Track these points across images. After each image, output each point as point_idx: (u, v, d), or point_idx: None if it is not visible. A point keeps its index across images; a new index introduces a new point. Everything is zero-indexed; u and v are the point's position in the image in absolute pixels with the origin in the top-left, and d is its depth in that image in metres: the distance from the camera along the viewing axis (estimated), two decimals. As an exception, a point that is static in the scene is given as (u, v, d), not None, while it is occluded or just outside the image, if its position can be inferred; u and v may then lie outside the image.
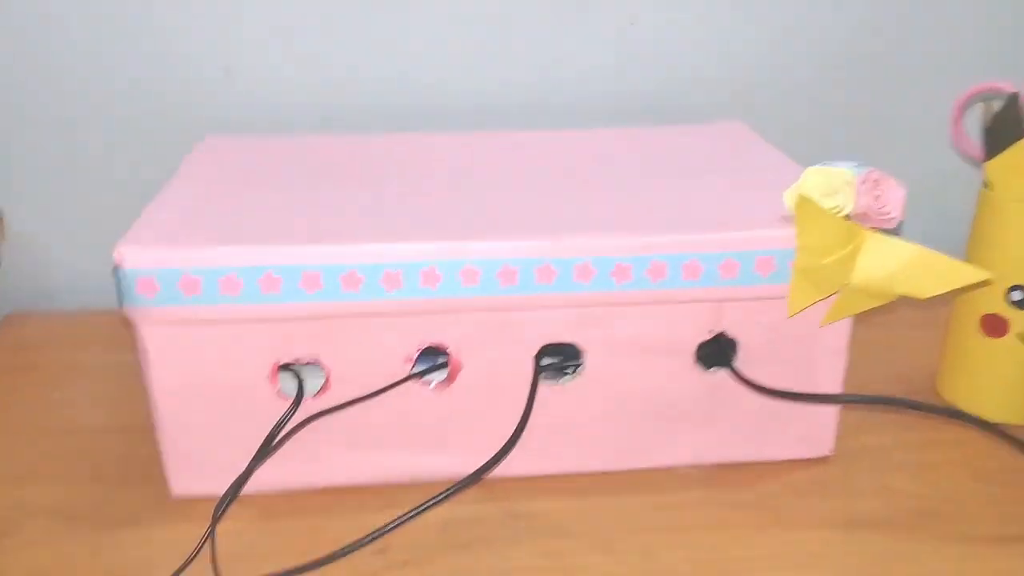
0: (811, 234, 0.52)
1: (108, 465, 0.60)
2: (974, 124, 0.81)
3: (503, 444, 0.55)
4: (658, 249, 0.53)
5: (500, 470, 0.57)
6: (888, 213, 0.53)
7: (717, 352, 0.58)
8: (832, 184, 0.53)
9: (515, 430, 0.55)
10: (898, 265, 0.53)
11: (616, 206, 0.57)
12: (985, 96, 0.63)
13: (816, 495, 0.57)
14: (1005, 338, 0.63)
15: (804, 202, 0.51)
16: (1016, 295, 0.61)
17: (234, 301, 0.51)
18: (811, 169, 0.53)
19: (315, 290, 0.51)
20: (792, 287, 0.54)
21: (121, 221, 0.59)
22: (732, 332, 0.57)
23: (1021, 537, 0.54)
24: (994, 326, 0.63)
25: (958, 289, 0.54)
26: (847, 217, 0.53)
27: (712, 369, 0.58)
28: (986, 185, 0.62)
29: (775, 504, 0.56)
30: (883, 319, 0.78)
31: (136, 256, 0.50)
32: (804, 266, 0.53)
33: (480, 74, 0.80)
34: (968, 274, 0.53)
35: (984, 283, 0.59)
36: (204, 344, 0.53)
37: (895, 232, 0.54)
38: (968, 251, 0.64)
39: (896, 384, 0.69)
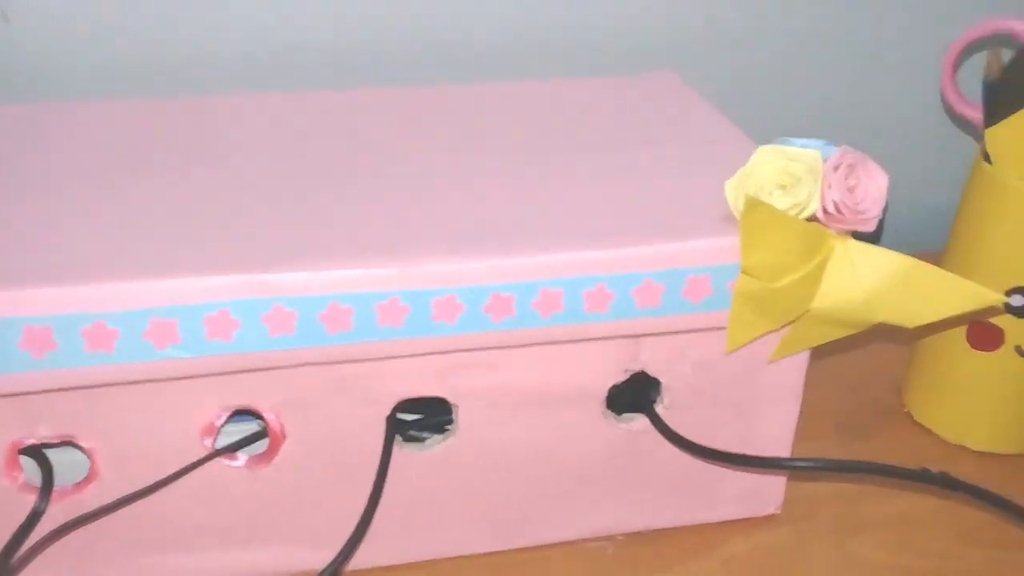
0: (761, 247, 0.37)
1: None
2: (973, 77, 0.55)
3: (349, 529, 0.40)
4: (547, 272, 0.37)
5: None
6: (866, 211, 0.39)
7: (634, 395, 0.43)
8: (791, 171, 0.38)
9: (365, 511, 0.41)
10: (879, 283, 0.39)
11: (490, 206, 0.41)
12: (992, 40, 0.49)
13: (764, 572, 0.45)
14: (999, 352, 0.49)
15: (754, 207, 0.36)
16: (1017, 299, 0.47)
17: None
18: (763, 149, 0.39)
19: (45, 352, 0.35)
20: (733, 316, 0.40)
21: None
22: (654, 371, 0.42)
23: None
24: (985, 337, 0.49)
25: (962, 316, 0.40)
26: (811, 217, 0.38)
27: (627, 416, 0.43)
28: (984, 157, 0.48)
29: (714, 588, 0.44)
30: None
31: None
32: (749, 290, 0.39)
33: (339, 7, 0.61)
34: (977, 296, 0.38)
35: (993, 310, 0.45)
36: None
37: (874, 237, 0.39)
38: (952, 241, 0.50)
39: (855, 402, 0.56)
